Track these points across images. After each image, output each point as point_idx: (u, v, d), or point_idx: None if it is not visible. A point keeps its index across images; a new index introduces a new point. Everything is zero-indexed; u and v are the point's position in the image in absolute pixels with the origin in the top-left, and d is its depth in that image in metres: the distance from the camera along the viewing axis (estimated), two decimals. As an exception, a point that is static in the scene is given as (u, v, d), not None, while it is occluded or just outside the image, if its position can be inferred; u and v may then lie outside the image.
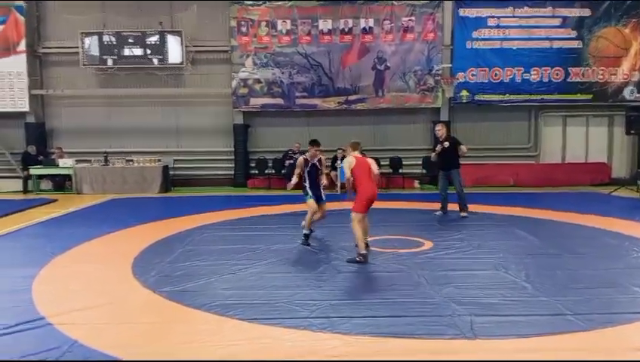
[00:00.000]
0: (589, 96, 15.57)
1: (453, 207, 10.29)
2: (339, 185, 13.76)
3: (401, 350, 4.15)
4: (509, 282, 5.90)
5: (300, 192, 8.27)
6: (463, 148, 10.22)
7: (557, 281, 5.92)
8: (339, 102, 15.73)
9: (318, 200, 8.02)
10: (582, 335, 4.44)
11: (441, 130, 10.40)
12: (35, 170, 14.80)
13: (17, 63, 15.49)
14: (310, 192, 8.00)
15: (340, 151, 14.85)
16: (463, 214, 10.09)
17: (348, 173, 7.01)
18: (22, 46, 15.46)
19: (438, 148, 10.18)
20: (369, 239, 7.22)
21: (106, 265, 6.83)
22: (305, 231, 7.86)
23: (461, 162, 10.45)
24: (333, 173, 13.54)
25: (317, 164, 8.09)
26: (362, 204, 6.96)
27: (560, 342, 4.31)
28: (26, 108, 15.67)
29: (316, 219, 8.02)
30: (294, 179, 8.03)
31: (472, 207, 10.51)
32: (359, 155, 7.25)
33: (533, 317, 4.82)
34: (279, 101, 15.80)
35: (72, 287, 5.87)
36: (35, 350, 4.18)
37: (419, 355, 4.06)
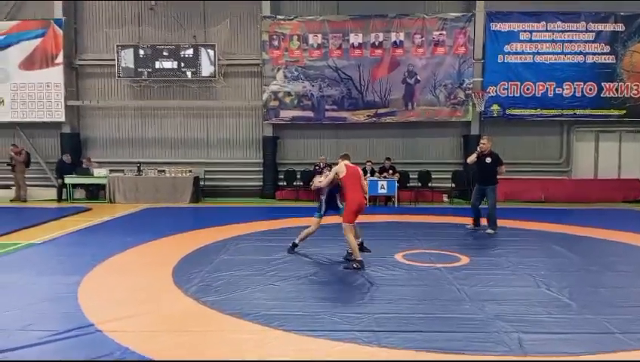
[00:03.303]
0: (623, 112, 15.38)
1: (484, 221, 10.20)
2: (367, 197, 13.73)
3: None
4: (552, 299, 5.82)
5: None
6: (503, 168, 10.19)
7: (601, 299, 5.82)
8: (368, 115, 15.79)
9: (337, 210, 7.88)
10: (634, 354, 4.36)
11: (485, 145, 10.10)
12: (69, 179, 15.12)
13: (55, 75, 15.96)
14: (323, 209, 7.89)
15: (368, 163, 14.90)
16: (490, 231, 9.93)
17: (331, 176, 7.39)
18: (59, 58, 15.91)
19: (474, 156, 10.12)
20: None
21: (147, 273, 6.94)
22: (295, 241, 8.05)
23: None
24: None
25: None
26: (351, 213, 7.23)
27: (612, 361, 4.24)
28: (62, 119, 16.12)
29: (311, 232, 8.02)
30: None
31: (504, 223, 10.45)
32: (351, 165, 7.51)
33: (582, 335, 4.75)
34: (309, 114, 15.93)
35: (116, 295, 5.96)
36: (88, 356, 4.25)
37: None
